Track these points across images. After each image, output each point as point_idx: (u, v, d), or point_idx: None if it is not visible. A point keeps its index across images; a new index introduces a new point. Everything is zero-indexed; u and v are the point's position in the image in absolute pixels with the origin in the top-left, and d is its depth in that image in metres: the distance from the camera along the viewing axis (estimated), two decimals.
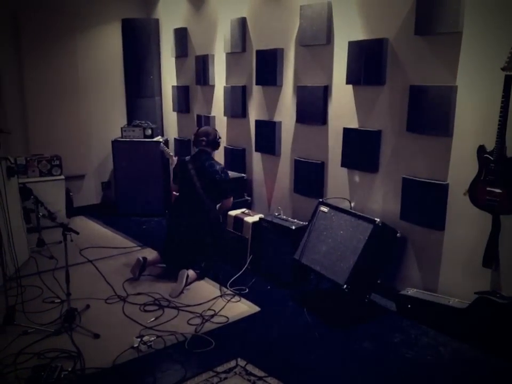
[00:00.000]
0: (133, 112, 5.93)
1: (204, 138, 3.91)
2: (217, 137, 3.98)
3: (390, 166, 3.50)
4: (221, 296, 3.55)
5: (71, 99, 5.56)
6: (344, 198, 3.77)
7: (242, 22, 4.58)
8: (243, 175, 4.66)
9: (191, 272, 3.75)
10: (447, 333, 2.99)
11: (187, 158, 3.98)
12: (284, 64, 4.26)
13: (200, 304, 3.41)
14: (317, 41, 3.83)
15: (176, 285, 3.64)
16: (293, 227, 3.70)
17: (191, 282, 3.75)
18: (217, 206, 4.00)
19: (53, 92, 5.41)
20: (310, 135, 4.11)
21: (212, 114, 5.25)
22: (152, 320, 3.17)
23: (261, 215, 4.09)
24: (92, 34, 5.69)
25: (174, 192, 4.12)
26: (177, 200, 4.06)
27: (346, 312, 3.33)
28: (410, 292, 3.25)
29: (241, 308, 3.38)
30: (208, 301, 3.46)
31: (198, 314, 3.25)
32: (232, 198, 4.00)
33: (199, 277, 3.82)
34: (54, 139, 5.45)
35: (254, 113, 4.68)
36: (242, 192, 4.57)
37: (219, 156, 5.19)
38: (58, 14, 5.33)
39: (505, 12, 2.72)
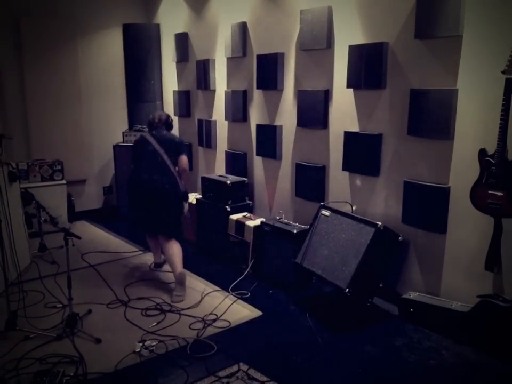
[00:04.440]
0: (134, 117, 5.94)
1: (156, 120, 4.06)
2: (170, 119, 4.14)
3: (391, 170, 3.50)
4: (222, 300, 3.54)
5: (72, 104, 5.58)
6: (346, 202, 3.77)
7: (243, 27, 4.60)
8: (244, 179, 4.66)
9: (180, 272, 3.72)
10: (450, 336, 2.98)
11: (145, 134, 4.06)
12: (284, 68, 4.26)
13: (200, 307, 3.41)
14: (317, 45, 3.84)
15: (177, 291, 3.64)
16: (295, 231, 3.70)
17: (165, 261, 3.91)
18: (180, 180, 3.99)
19: (54, 97, 5.43)
20: (311, 139, 4.11)
21: (213, 118, 5.26)
22: (154, 325, 3.17)
23: (263, 219, 4.09)
24: (93, 39, 5.72)
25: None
26: (137, 170, 3.98)
27: (348, 316, 3.33)
28: (413, 295, 3.25)
29: (243, 312, 3.38)
30: (210, 305, 3.45)
31: (200, 319, 3.25)
32: (186, 157, 4.00)
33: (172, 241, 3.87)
34: (56, 144, 5.47)
35: (255, 117, 4.69)
36: (243, 196, 4.58)
37: (220, 160, 5.21)
38: (60, 19, 5.37)
39: (505, 15, 2.73)
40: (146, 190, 3.81)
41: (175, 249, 3.76)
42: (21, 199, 4.14)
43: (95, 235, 5.19)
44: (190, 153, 5.65)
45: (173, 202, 3.86)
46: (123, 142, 5.58)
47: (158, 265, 4.25)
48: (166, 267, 4.19)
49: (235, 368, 2.68)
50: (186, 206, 3.96)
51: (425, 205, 3.24)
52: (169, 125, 4.14)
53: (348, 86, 3.66)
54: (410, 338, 3.01)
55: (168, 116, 4.14)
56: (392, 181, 3.50)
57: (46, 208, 4.51)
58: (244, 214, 4.32)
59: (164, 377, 2.61)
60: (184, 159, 3.96)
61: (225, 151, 5.09)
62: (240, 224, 4.15)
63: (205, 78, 5.17)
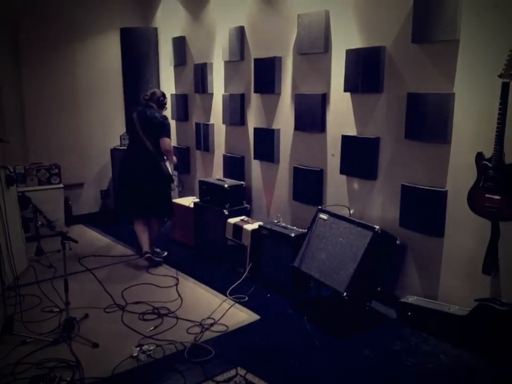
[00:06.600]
0: None
1: (148, 94, 4.29)
2: (162, 96, 4.33)
3: (389, 173, 3.50)
4: (220, 304, 3.53)
5: (70, 108, 5.57)
6: (344, 206, 3.77)
7: (241, 31, 4.61)
8: (242, 182, 4.66)
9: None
10: (448, 340, 2.98)
11: (134, 111, 4.28)
12: (282, 72, 4.27)
13: (198, 311, 3.40)
14: (314, 49, 3.85)
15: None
16: (292, 234, 3.70)
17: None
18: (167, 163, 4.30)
19: (52, 100, 5.42)
20: (308, 142, 4.12)
21: (211, 122, 5.26)
22: (151, 329, 3.15)
23: (260, 223, 4.08)
24: (91, 43, 5.72)
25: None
26: (125, 158, 4.38)
27: (346, 320, 3.32)
28: (411, 299, 3.25)
29: (241, 316, 3.37)
30: (208, 309, 3.44)
31: (198, 323, 3.24)
32: (169, 140, 4.22)
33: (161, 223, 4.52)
34: (53, 148, 5.45)
35: (253, 121, 4.69)
36: (241, 199, 4.57)
37: (218, 163, 5.21)
38: (58, 23, 5.37)
39: (501, 19, 2.74)
40: (133, 179, 4.20)
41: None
42: (18, 203, 4.13)
43: (92, 239, 5.17)
44: (187, 156, 5.66)
45: (158, 186, 4.22)
46: (121, 146, 5.57)
47: (149, 253, 4.26)
48: (164, 270, 4.19)
49: (233, 372, 2.67)
50: (173, 185, 4.29)
51: (423, 208, 3.24)
52: (160, 104, 4.29)
53: (345, 90, 3.66)
54: (408, 342, 3.00)
55: (162, 94, 4.27)
56: (389, 185, 3.51)
57: (43, 212, 4.50)
58: (242, 217, 4.32)
59: (161, 382, 2.60)
60: (165, 141, 4.13)
61: (223, 155, 5.09)
62: (238, 228, 4.14)
63: (203, 82, 5.17)
